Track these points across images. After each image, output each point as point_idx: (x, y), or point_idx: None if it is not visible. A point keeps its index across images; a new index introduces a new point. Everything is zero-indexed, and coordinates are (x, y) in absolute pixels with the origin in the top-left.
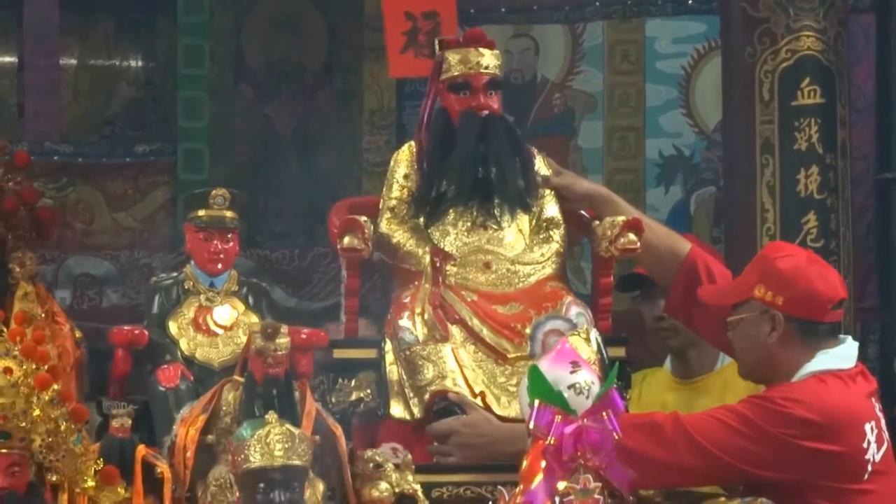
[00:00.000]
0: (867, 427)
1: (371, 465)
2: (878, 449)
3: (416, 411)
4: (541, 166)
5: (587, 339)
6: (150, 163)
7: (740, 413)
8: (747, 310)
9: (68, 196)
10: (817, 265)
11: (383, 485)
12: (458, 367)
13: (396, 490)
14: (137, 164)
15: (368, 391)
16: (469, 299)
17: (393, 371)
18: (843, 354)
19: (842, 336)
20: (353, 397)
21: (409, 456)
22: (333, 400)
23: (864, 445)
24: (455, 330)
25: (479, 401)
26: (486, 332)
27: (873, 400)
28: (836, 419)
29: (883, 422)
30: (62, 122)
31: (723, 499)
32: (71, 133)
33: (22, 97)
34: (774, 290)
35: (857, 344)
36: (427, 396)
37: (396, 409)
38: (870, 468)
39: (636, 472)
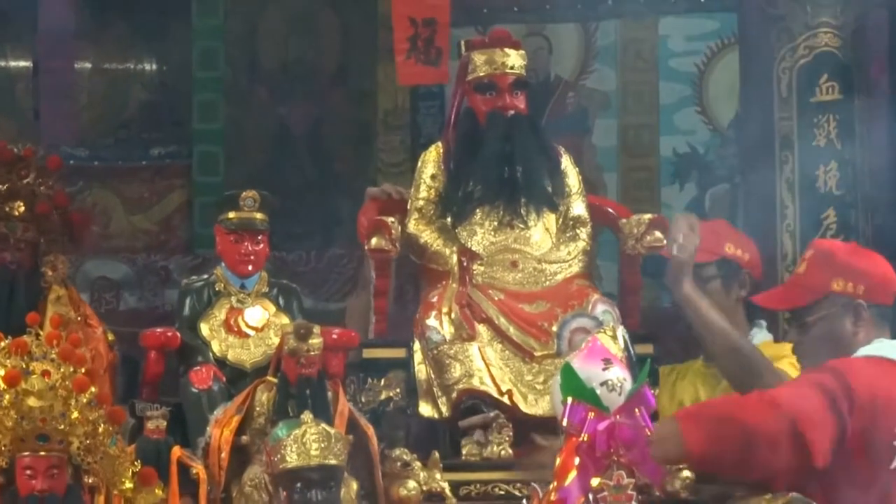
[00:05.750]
0: None
1: (399, 463)
2: None
3: (444, 410)
4: (567, 165)
5: (614, 337)
6: (165, 165)
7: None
8: (828, 307)
9: (85, 200)
10: (874, 254)
11: (411, 483)
12: (484, 365)
13: (424, 488)
14: (153, 167)
15: (398, 390)
16: (496, 298)
17: (421, 370)
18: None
19: None
20: (383, 396)
21: (436, 454)
22: (363, 399)
23: None
24: (482, 329)
25: (506, 399)
26: (512, 331)
27: None
28: (873, 396)
29: None
30: (77, 125)
31: (753, 494)
32: (86, 137)
33: (37, 101)
34: (854, 281)
35: None
36: (454, 395)
37: (425, 408)
38: None
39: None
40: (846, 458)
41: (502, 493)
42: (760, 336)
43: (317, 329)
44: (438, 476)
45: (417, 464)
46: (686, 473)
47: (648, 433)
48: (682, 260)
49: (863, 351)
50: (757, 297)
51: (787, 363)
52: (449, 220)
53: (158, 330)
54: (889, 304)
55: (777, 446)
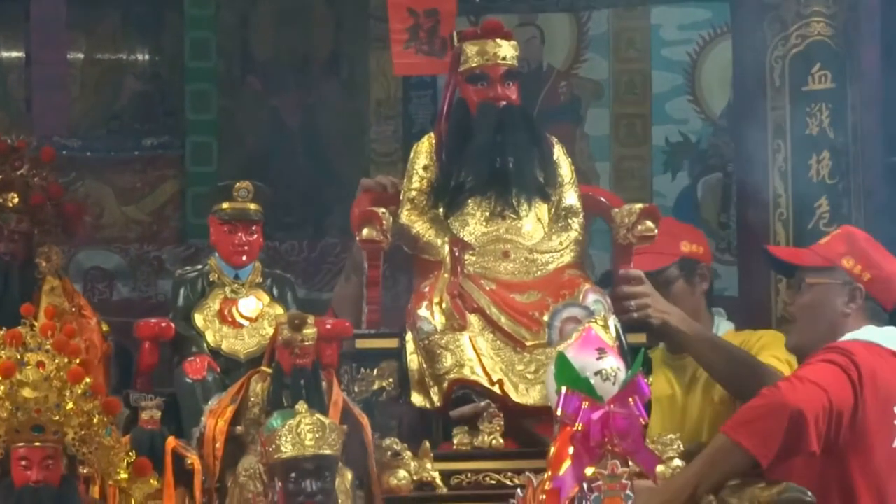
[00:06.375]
0: None
1: (389, 453)
2: None
3: (436, 399)
4: (559, 155)
5: (605, 327)
6: (158, 156)
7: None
8: (829, 277)
9: (77, 190)
10: (890, 254)
11: (402, 472)
12: (476, 355)
13: (415, 478)
14: (146, 158)
15: (390, 380)
16: (488, 288)
17: (413, 360)
18: (887, 334)
19: None
20: (376, 386)
21: (427, 444)
22: (356, 389)
23: (895, 410)
24: (473, 319)
25: (497, 388)
26: (504, 321)
27: None
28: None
29: None
30: (70, 116)
31: (747, 482)
32: (79, 127)
33: (30, 92)
34: (864, 266)
35: None
36: (446, 385)
37: (417, 398)
38: None
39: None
40: (856, 434)
41: (493, 482)
42: (724, 326)
43: (311, 319)
44: (429, 465)
45: (408, 453)
46: (677, 462)
47: (643, 422)
48: (655, 320)
49: (849, 336)
50: (773, 248)
51: (768, 355)
52: (441, 210)
53: (153, 320)
54: (885, 305)
55: (823, 418)
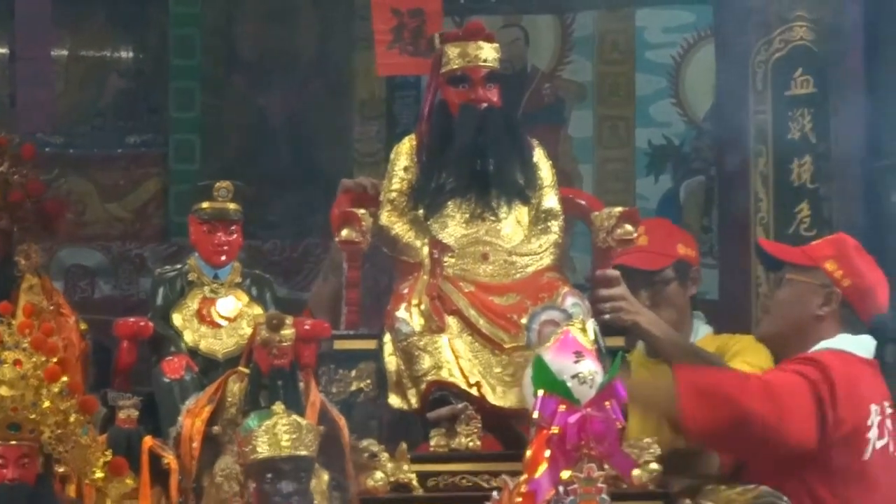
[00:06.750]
0: (872, 408)
1: (366, 454)
2: (880, 436)
3: (414, 401)
4: (540, 157)
5: (583, 330)
6: (141, 153)
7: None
8: (809, 276)
9: (60, 187)
10: (882, 274)
11: (378, 474)
12: (454, 357)
13: (391, 479)
14: (129, 155)
15: (368, 381)
16: (467, 290)
17: (391, 362)
18: (862, 343)
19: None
20: (354, 387)
21: (404, 445)
22: (334, 390)
23: (868, 424)
24: (452, 321)
25: (474, 391)
26: (482, 323)
27: (880, 389)
28: (849, 387)
29: (889, 412)
30: (54, 113)
31: (723, 486)
32: (62, 124)
33: (14, 88)
34: (845, 271)
35: (875, 342)
36: (423, 386)
37: (394, 400)
38: (869, 449)
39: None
40: (828, 448)
41: (469, 484)
42: (703, 329)
43: (289, 320)
44: (406, 467)
45: (385, 455)
46: (654, 466)
47: (619, 426)
48: (626, 321)
49: (824, 344)
50: (763, 241)
51: (741, 361)
52: (421, 212)
53: (131, 319)
54: (862, 316)
55: (767, 434)
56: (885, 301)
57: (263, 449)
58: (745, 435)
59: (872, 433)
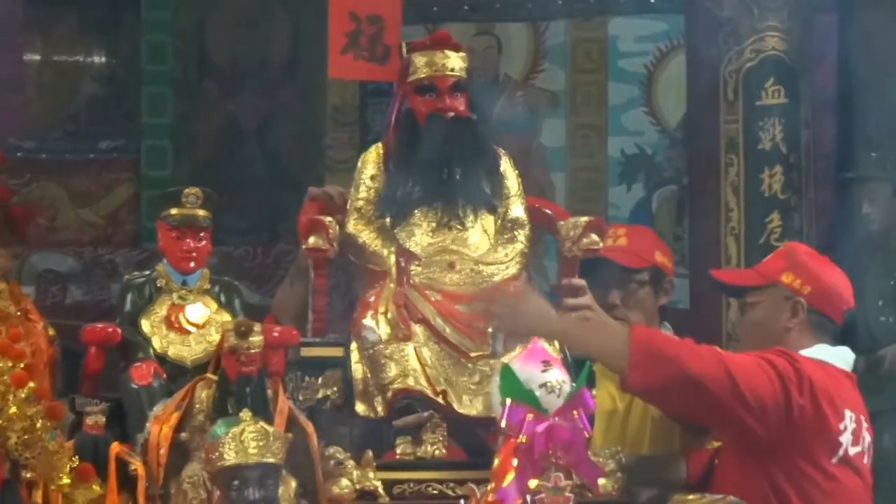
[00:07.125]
0: (847, 413)
1: (332, 462)
2: (854, 443)
3: (380, 409)
4: (506, 167)
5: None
6: (113, 159)
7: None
8: (770, 294)
9: (32, 192)
10: (839, 269)
11: (344, 481)
12: (420, 365)
13: (357, 487)
14: (101, 161)
15: (335, 389)
16: (433, 299)
17: (358, 369)
18: (840, 355)
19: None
20: (320, 395)
21: (370, 453)
22: (300, 398)
23: (841, 427)
24: (418, 329)
25: (440, 399)
26: (448, 331)
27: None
28: (824, 387)
29: (865, 426)
30: (26, 118)
31: (691, 496)
32: (34, 129)
33: None
34: (803, 280)
35: (854, 355)
36: (390, 394)
37: (361, 408)
38: (841, 452)
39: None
40: (794, 436)
41: (435, 492)
42: None
43: (257, 327)
44: (371, 475)
45: (351, 462)
46: (620, 475)
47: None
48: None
49: (803, 353)
50: (716, 272)
51: None
52: (388, 220)
53: (99, 325)
54: (832, 316)
55: (714, 403)
56: (850, 296)
57: (230, 456)
58: (693, 398)
59: (846, 437)
